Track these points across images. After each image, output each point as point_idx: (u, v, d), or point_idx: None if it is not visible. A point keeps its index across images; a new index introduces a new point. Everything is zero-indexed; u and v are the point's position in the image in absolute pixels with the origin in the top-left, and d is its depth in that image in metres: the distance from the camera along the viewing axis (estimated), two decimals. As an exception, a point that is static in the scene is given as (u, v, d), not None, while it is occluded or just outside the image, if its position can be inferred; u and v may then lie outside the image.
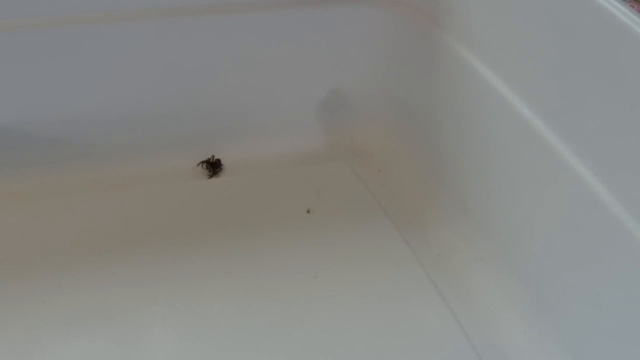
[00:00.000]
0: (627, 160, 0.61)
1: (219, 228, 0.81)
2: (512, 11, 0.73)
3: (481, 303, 0.75)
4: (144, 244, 0.78)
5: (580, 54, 0.65)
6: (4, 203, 0.81)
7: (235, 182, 0.88)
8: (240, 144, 0.90)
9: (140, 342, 0.69)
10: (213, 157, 0.89)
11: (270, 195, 0.86)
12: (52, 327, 0.69)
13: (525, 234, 0.73)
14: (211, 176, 0.88)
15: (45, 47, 0.79)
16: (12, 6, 0.76)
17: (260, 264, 0.77)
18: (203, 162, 0.88)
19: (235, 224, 0.82)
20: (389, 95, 0.92)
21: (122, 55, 0.82)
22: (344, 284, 0.76)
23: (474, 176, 0.80)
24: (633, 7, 0.61)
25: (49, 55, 0.80)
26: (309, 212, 0.84)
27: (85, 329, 0.70)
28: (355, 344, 0.70)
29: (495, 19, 0.75)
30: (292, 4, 0.85)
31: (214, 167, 0.88)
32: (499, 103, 0.74)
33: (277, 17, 0.86)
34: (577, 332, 0.66)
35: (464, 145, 0.81)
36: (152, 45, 0.83)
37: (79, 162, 0.85)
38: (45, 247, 0.77)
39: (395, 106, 0.92)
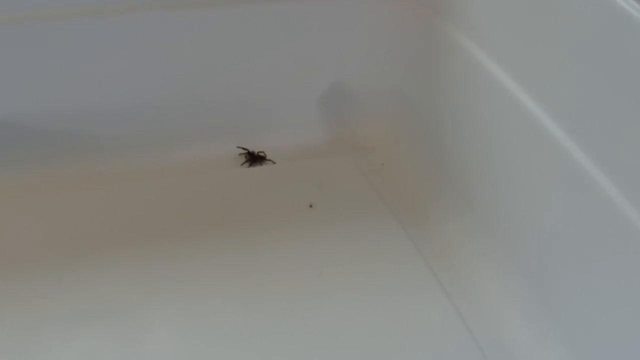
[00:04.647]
0: (632, 154, 0.61)
1: (221, 223, 0.81)
2: (517, 4, 0.72)
3: (484, 298, 0.75)
4: (144, 240, 0.78)
5: (585, 47, 0.64)
6: (5, 198, 0.81)
7: (236, 177, 0.88)
8: (241, 138, 0.90)
9: (140, 338, 0.69)
10: (257, 152, 0.89)
11: (272, 189, 0.86)
12: (52, 323, 0.69)
13: (528, 229, 0.73)
14: (249, 165, 0.88)
15: (48, 39, 0.79)
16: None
17: (262, 259, 0.77)
18: (245, 152, 0.88)
19: (237, 219, 0.82)
20: (392, 88, 0.92)
21: (120, 49, 0.82)
22: (346, 279, 0.76)
23: (477, 170, 0.79)
24: (639, -1, 0.61)
25: (52, 47, 0.79)
26: (311, 206, 0.84)
27: (85, 325, 0.69)
28: (358, 339, 0.70)
29: (500, 12, 0.75)
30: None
31: (253, 157, 0.88)
32: (503, 96, 0.74)
33: (280, 9, 0.85)
34: (580, 328, 0.66)
35: (468, 139, 0.81)
36: (151, 39, 0.82)
37: (78, 157, 0.85)
38: (44, 243, 0.77)
39: (398, 99, 0.92)
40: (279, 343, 0.69)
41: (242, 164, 0.89)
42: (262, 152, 0.89)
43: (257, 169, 0.89)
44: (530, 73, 0.71)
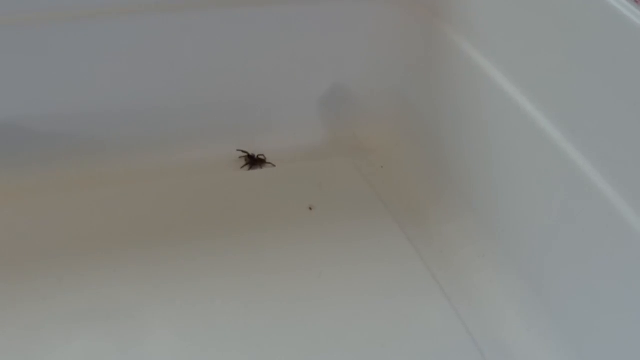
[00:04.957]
0: (629, 156, 0.61)
1: (221, 224, 0.81)
2: (516, 7, 0.72)
3: (484, 299, 0.75)
4: (144, 240, 0.78)
5: (583, 50, 0.64)
6: (5, 198, 0.81)
7: (236, 178, 0.88)
8: (241, 139, 0.90)
9: (140, 338, 0.69)
10: (257, 155, 0.89)
11: (272, 191, 0.86)
12: (52, 323, 0.69)
13: (527, 230, 0.73)
14: (249, 168, 0.88)
15: (48, 40, 0.79)
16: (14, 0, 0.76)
17: (261, 260, 0.77)
18: (245, 155, 0.88)
19: (237, 219, 0.82)
20: (392, 90, 0.92)
21: (120, 50, 0.82)
22: (346, 280, 0.76)
23: (477, 172, 0.79)
24: (637, 2, 0.61)
25: (52, 49, 0.79)
26: (310, 208, 0.84)
27: (85, 325, 0.69)
28: (357, 340, 0.70)
29: (498, 15, 0.75)
30: (294, -2, 0.85)
31: (253, 160, 0.88)
32: (501, 98, 0.74)
33: (280, 11, 0.85)
34: (580, 328, 0.66)
35: (467, 141, 0.81)
36: (152, 40, 0.82)
37: (78, 158, 0.85)
38: (44, 243, 0.77)
39: (398, 101, 0.92)
40: (279, 343, 0.69)
41: (242, 167, 0.89)
42: (262, 155, 0.89)
43: (257, 171, 0.89)
44: (528, 75, 0.71)
